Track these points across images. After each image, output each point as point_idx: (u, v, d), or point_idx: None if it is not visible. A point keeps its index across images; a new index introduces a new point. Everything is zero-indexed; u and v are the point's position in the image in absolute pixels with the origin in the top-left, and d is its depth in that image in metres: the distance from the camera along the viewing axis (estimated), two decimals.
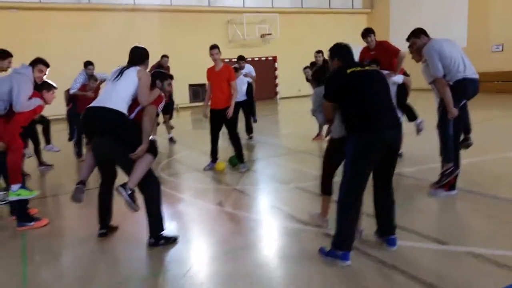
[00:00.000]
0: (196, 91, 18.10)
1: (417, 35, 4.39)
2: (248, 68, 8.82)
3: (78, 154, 7.65)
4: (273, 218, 4.19)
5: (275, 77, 20.27)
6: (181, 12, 17.46)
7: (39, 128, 6.88)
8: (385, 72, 5.71)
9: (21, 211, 4.12)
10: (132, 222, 4.32)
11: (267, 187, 5.35)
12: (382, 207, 3.32)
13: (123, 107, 3.47)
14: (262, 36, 18.93)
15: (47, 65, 4.32)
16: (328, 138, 3.74)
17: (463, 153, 4.56)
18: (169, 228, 3.77)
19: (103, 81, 8.04)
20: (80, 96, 7.51)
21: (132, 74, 3.58)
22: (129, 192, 3.29)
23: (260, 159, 7.10)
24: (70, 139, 8.01)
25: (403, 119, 6.07)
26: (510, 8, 15.92)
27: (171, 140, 8.98)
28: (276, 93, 20.43)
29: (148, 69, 4.09)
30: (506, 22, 16.16)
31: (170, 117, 9.18)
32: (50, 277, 3.22)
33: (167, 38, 16.40)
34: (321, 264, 3.08)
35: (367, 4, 22.36)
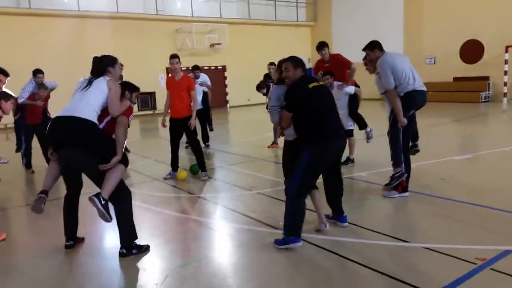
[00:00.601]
0: (145, 100, 17.79)
1: (371, 48, 4.75)
2: (204, 78, 8.91)
3: (27, 165, 7.29)
4: (239, 223, 4.29)
5: (225, 86, 20.45)
6: (128, 20, 17.12)
7: None
8: (338, 83, 6.10)
9: None
10: (96, 232, 4.27)
11: (230, 194, 5.46)
12: (331, 194, 3.93)
13: (92, 117, 3.41)
14: (212, 45, 19.06)
15: (6, 75, 4.17)
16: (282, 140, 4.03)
17: (411, 157, 4.99)
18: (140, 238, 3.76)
19: (52, 89, 7.76)
20: (29, 106, 7.18)
21: (102, 84, 3.53)
22: (103, 202, 3.26)
23: (219, 167, 7.19)
24: (17, 150, 7.60)
25: (354, 127, 6.50)
26: (441, 23, 17.39)
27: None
28: (226, 102, 20.60)
29: None
30: (437, 36, 17.61)
31: None
32: None
33: (114, 46, 15.94)
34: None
35: (311, 17, 23.30)
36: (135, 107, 17.70)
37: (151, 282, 3.10)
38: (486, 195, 4.74)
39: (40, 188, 3.55)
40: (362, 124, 6.46)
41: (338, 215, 3.98)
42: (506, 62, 15.68)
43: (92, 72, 3.69)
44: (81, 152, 3.34)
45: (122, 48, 16.07)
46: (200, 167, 6.27)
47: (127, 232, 3.54)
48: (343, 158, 5.34)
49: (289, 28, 22.28)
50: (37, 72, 7.49)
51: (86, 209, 4.08)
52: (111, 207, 3.44)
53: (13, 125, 7.66)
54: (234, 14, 20.41)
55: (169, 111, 6.27)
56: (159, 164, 7.52)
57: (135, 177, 6.61)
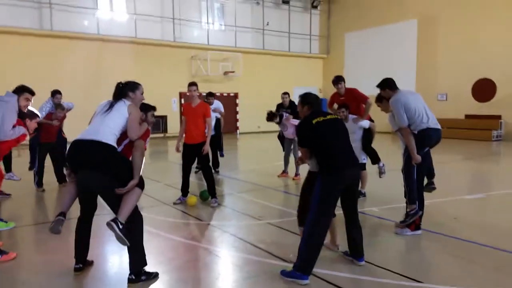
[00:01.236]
0: (156, 123, 17.99)
1: (383, 88, 4.81)
2: (217, 104, 9.02)
3: (38, 184, 7.34)
4: (248, 254, 4.23)
5: (236, 113, 20.65)
6: (146, 45, 17.58)
7: None
8: (353, 116, 6.14)
9: None
10: (105, 256, 4.24)
11: (239, 223, 5.42)
12: (351, 236, 3.88)
13: (112, 140, 3.45)
14: (225, 73, 19.39)
15: (32, 93, 4.26)
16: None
17: (425, 195, 4.94)
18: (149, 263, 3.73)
19: (69, 110, 7.90)
20: (44, 125, 7.28)
21: (122, 108, 3.58)
22: (121, 226, 3.26)
23: (228, 194, 7.17)
24: (30, 168, 7.70)
25: (367, 161, 6.48)
26: (454, 60, 17.55)
27: None
28: (236, 128, 20.75)
29: None
30: (450, 73, 17.75)
31: None
32: None
33: (131, 70, 16.35)
34: None
35: (324, 50, 23.72)
36: None
37: None
38: (500, 236, 4.65)
39: (50, 207, 3.57)
40: (375, 159, 6.44)
41: (355, 258, 3.91)
42: None
43: (113, 96, 3.75)
44: (99, 174, 3.36)
45: (139, 72, 16.43)
46: (210, 194, 6.27)
47: (138, 258, 3.52)
48: None
49: (302, 59, 22.65)
50: (55, 93, 7.65)
51: (96, 232, 4.08)
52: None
53: (25, 143, 7.77)
54: (248, 43, 20.86)
55: (183, 136, 6.33)
56: (169, 189, 7.52)
57: (144, 201, 6.58)
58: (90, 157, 3.35)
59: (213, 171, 8.61)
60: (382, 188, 6.97)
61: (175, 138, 12.51)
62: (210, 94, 9.02)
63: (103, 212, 4.76)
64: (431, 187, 5.05)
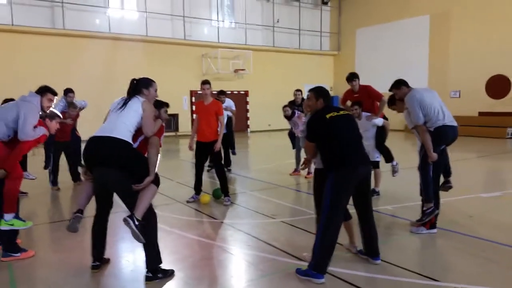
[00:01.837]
0: (168, 121, 18.06)
1: (398, 87, 4.76)
2: (229, 103, 9.03)
3: (53, 182, 7.43)
4: (262, 252, 4.22)
5: (247, 111, 20.66)
6: (157, 44, 17.66)
7: None
8: (367, 114, 6.09)
9: (9, 241, 3.97)
10: (121, 254, 4.28)
11: (253, 221, 5.42)
12: (366, 234, 3.83)
13: (127, 137, 3.47)
14: (236, 71, 19.40)
15: (55, 94, 4.30)
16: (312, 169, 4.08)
17: (442, 193, 4.89)
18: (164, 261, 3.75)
19: (82, 108, 7.98)
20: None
21: (136, 105, 3.60)
22: (137, 223, 3.28)
23: (241, 192, 7.18)
24: (45, 167, 7.79)
25: (381, 159, 6.44)
26: (467, 57, 17.32)
27: None
28: (247, 126, 20.76)
29: None
30: (463, 70, 17.52)
31: None
32: None
33: (143, 68, 16.38)
34: None
35: (334, 47, 23.57)
36: None
37: None
38: None
39: (65, 206, 3.62)
40: (389, 157, 6.39)
41: (371, 257, 3.88)
42: None
43: (127, 93, 3.77)
44: (115, 171, 3.39)
45: (151, 70, 16.46)
46: (223, 192, 6.28)
47: (153, 255, 3.55)
48: None
49: (313, 56, 22.55)
50: (68, 92, 7.72)
51: (112, 230, 4.12)
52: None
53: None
54: (259, 41, 20.83)
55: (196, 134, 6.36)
56: (181, 187, 7.56)
57: (158, 199, 6.60)
58: (107, 154, 3.37)
59: (225, 169, 8.67)
60: (396, 186, 6.93)
61: (187, 136, 12.56)
62: (222, 92, 9.03)
63: (119, 210, 4.81)
64: (447, 185, 5.00)
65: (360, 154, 3.66)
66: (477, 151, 12.51)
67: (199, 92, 6.30)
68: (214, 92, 9.52)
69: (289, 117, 7.93)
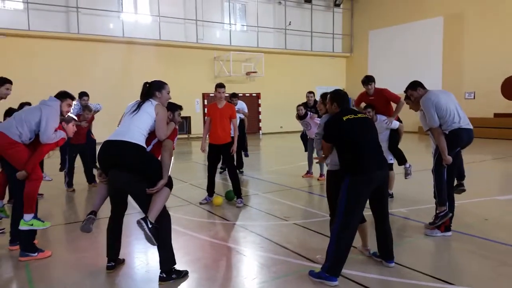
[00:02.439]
0: (180, 124, 18.19)
1: (414, 88, 4.73)
2: (241, 105, 9.06)
3: (69, 184, 7.55)
4: (275, 254, 4.23)
5: (259, 113, 20.70)
6: (170, 47, 17.83)
7: None
8: (383, 117, 6.06)
9: (27, 241, 4.06)
10: (136, 254, 4.33)
11: (265, 223, 5.44)
12: (381, 238, 3.82)
13: (141, 140, 3.52)
14: (248, 73, 19.46)
15: (73, 99, 4.40)
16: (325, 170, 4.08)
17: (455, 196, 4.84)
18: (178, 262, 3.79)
19: (97, 111, 8.09)
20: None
21: (150, 108, 3.64)
22: (150, 225, 3.33)
23: (254, 194, 7.20)
24: (61, 169, 7.93)
25: (394, 161, 6.40)
26: (482, 58, 17.09)
27: None
28: (259, 128, 20.79)
29: None
30: (477, 71, 17.29)
31: None
32: None
33: (156, 71, 16.59)
34: None
35: (347, 49, 23.48)
36: None
37: None
38: None
39: (80, 207, 3.69)
40: (402, 160, 6.35)
41: (385, 259, 3.86)
42: None
43: (141, 96, 3.80)
44: (129, 174, 3.44)
45: (164, 73, 16.68)
46: (236, 194, 6.32)
47: (167, 256, 3.58)
48: None
49: (325, 58, 22.51)
50: (82, 95, 7.85)
51: (127, 231, 4.18)
52: None
53: None
54: (271, 44, 20.87)
55: (208, 136, 6.41)
56: (194, 189, 7.61)
57: (171, 201, 6.66)
58: (121, 157, 3.43)
59: (237, 171, 8.71)
60: (410, 188, 6.87)
61: (199, 138, 12.64)
62: (234, 95, 9.07)
63: (133, 212, 4.87)
64: (460, 188, 4.95)
65: (378, 158, 3.64)
66: (492, 153, 12.33)
67: (211, 94, 6.38)
68: (226, 95, 9.62)
69: (302, 117, 7.94)
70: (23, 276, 3.77)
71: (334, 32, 23.02)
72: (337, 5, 22.70)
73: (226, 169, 6.71)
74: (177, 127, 3.97)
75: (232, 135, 6.38)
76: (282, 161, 11.42)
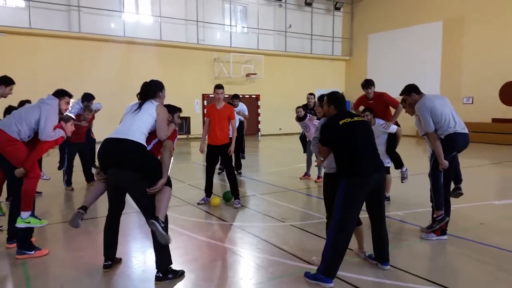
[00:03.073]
0: (180, 124, 18.21)
1: (408, 93, 4.75)
2: (242, 107, 9.09)
3: (67, 182, 7.57)
4: (272, 255, 4.25)
5: (258, 115, 20.73)
6: (171, 48, 17.86)
7: None
8: (382, 122, 6.09)
9: (24, 239, 4.07)
10: (133, 253, 4.35)
11: (262, 224, 5.46)
12: (377, 240, 3.84)
13: (142, 139, 3.56)
14: (248, 75, 19.50)
15: (71, 97, 4.42)
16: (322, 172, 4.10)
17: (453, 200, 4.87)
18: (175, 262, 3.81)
19: (97, 111, 8.11)
20: (74, 126, 7.49)
21: (151, 109, 3.69)
22: (162, 225, 3.37)
23: (251, 195, 7.22)
24: (60, 168, 7.94)
25: (391, 165, 6.42)
26: (480, 63, 17.16)
27: None
28: (258, 130, 20.82)
29: None
30: (476, 76, 17.36)
31: None
32: None
33: (156, 72, 16.62)
34: None
35: (346, 52, 23.55)
36: None
37: None
38: None
39: (78, 206, 3.71)
40: (399, 163, 6.37)
41: (380, 262, 3.89)
42: None
43: (141, 95, 3.83)
44: (129, 172, 3.47)
45: (164, 74, 16.72)
46: (234, 195, 6.34)
47: (164, 256, 3.60)
48: None
49: (324, 61, 22.57)
50: (91, 98, 7.76)
51: (123, 230, 4.20)
52: (149, 231, 3.54)
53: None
54: (271, 46, 20.93)
55: (206, 137, 6.43)
56: (192, 189, 7.63)
57: (169, 201, 6.71)
58: (121, 155, 3.46)
59: (235, 172, 8.73)
60: (407, 192, 6.90)
61: (198, 139, 12.66)
62: (235, 97, 9.10)
63: (131, 211, 4.90)
64: (458, 192, 4.98)
65: (374, 161, 3.65)
66: (490, 158, 12.37)
67: (211, 95, 6.40)
68: (226, 96, 9.65)
69: (301, 119, 7.98)
70: (20, 274, 3.79)
71: (334, 35, 23.08)
72: (337, 9, 22.77)
73: (224, 170, 6.73)
74: (176, 128, 4.01)
75: (230, 136, 6.41)
76: (280, 163, 11.45)
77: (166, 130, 3.73)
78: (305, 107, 8.33)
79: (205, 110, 6.69)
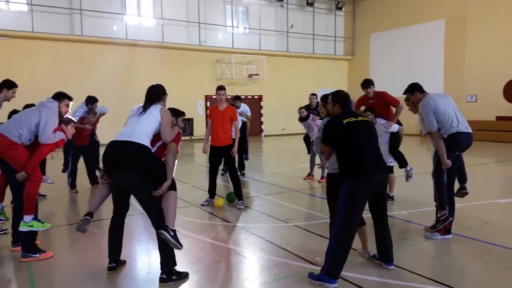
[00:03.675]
0: (182, 126, 18.24)
1: (411, 92, 4.74)
2: (244, 108, 9.10)
3: (71, 185, 7.60)
4: (276, 256, 4.25)
5: (261, 115, 20.73)
6: (173, 49, 17.90)
7: None
8: (383, 121, 6.08)
9: (28, 242, 4.09)
10: (137, 255, 4.36)
11: (266, 225, 5.46)
12: (380, 240, 3.82)
13: (146, 141, 3.60)
14: (250, 76, 19.51)
15: (71, 99, 4.44)
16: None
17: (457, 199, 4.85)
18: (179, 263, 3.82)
19: (102, 114, 8.12)
20: (78, 129, 7.50)
21: (156, 112, 3.75)
22: (172, 233, 3.40)
23: (255, 196, 7.22)
24: (64, 170, 7.97)
25: (394, 164, 6.41)
26: (483, 61, 17.08)
27: None
28: (261, 131, 20.82)
29: None
30: (479, 74, 17.28)
31: None
32: None
33: (159, 73, 16.67)
34: None
35: (348, 52, 23.51)
36: None
37: None
38: None
39: (83, 208, 3.73)
40: (403, 162, 6.36)
41: (384, 262, 3.88)
42: None
43: (148, 98, 3.87)
44: (133, 174, 3.49)
45: (166, 76, 16.79)
46: (237, 196, 6.34)
47: (168, 258, 3.61)
48: None
49: (326, 61, 22.54)
50: (94, 101, 7.79)
51: (128, 232, 4.21)
52: (153, 232, 3.55)
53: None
54: (273, 46, 20.93)
55: (209, 138, 6.44)
56: (196, 190, 7.64)
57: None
58: (126, 157, 3.49)
59: (239, 173, 8.73)
60: (411, 191, 6.88)
61: (201, 140, 12.70)
62: (237, 98, 9.10)
63: (135, 213, 4.90)
64: (463, 192, 4.95)
65: (377, 161, 3.64)
66: (494, 156, 12.32)
67: (213, 97, 6.41)
68: (228, 97, 9.65)
69: (304, 119, 7.97)
70: (25, 277, 3.81)
71: (336, 35, 23.04)
72: (339, 8, 22.74)
73: (228, 171, 6.74)
74: (180, 131, 4.04)
75: (233, 137, 6.41)
76: (283, 163, 11.45)
77: (171, 132, 3.77)
78: (307, 107, 8.32)
79: (208, 111, 6.67)
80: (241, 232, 5.20)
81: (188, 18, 18.52)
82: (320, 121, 7.23)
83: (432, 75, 18.41)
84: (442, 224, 4.54)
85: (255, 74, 19.57)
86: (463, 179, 4.93)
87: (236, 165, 8.24)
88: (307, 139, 8.74)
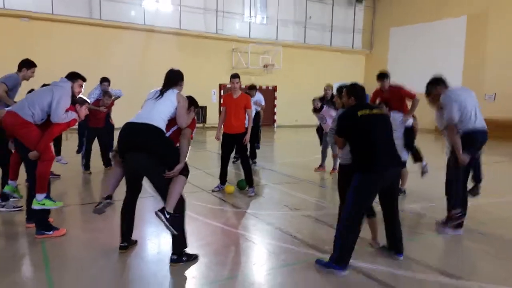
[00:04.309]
0: (197, 113, 18.29)
1: (434, 85, 4.67)
2: (259, 97, 9.09)
3: (85, 166, 7.71)
4: (284, 242, 4.27)
5: (274, 106, 20.68)
6: (190, 37, 17.91)
7: None
8: (399, 114, 5.99)
9: (41, 220, 4.18)
10: (148, 236, 4.43)
11: (276, 213, 5.47)
12: (390, 233, 3.83)
13: (162, 125, 3.62)
14: (265, 66, 19.43)
15: (84, 80, 4.48)
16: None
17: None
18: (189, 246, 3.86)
19: (117, 97, 8.21)
20: (93, 111, 7.60)
21: (172, 96, 3.76)
22: (168, 216, 3.41)
23: (266, 185, 7.23)
24: (78, 151, 8.09)
25: (408, 158, 6.34)
26: (504, 59, 16.71)
27: None
28: (274, 121, 20.79)
29: None
30: (499, 73, 16.92)
31: None
32: (77, 287, 3.28)
33: (175, 60, 16.62)
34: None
35: (367, 45, 23.20)
36: None
37: None
38: None
39: (96, 189, 3.79)
40: (418, 157, 6.28)
41: (394, 253, 3.87)
42: None
43: (165, 82, 3.89)
44: (147, 156, 3.52)
45: (182, 63, 16.71)
46: (248, 183, 6.37)
47: (179, 240, 3.65)
48: None
49: (344, 54, 22.29)
50: (103, 80, 7.97)
51: (140, 214, 4.27)
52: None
53: (74, 127, 8.17)
54: (290, 37, 20.76)
55: (222, 126, 6.46)
56: (207, 176, 7.69)
57: (186, 187, 6.77)
58: (141, 139, 3.51)
59: (250, 162, 8.75)
60: (423, 185, 6.80)
61: (214, 128, 12.74)
62: (253, 87, 9.09)
63: (147, 195, 4.95)
64: (475, 191, 4.89)
65: (391, 155, 3.60)
66: (510, 155, 12.10)
67: (228, 86, 6.39)
68: (243, 87, 9.64)
69: (317, 110, 7.93)
70: (39, 253, 3.89)
71: (355, 28, 22.73)
72: (359, 1, 22.39)
73: (239, 159, 6.77)
74: (195, 118, 4.05)
75: (246, 126, 6.42)
76: (295, 154, 11.43)
77: (186, 117, 3.78)
78: (321, 99, 8.26)
79: (222, 99, 6.68)
80: (251, 218, 5.23)
81: (206, 6, 18.47)
82: (335, 111, 7.20)
83: (451, 72, 17.90)
84: (455, 222, 4.49)
85: (271, 64, 19.48)
86: (478, 179, 4.86)
87: (248, 153, 8.29)
88: (320, 130, 8.70)
